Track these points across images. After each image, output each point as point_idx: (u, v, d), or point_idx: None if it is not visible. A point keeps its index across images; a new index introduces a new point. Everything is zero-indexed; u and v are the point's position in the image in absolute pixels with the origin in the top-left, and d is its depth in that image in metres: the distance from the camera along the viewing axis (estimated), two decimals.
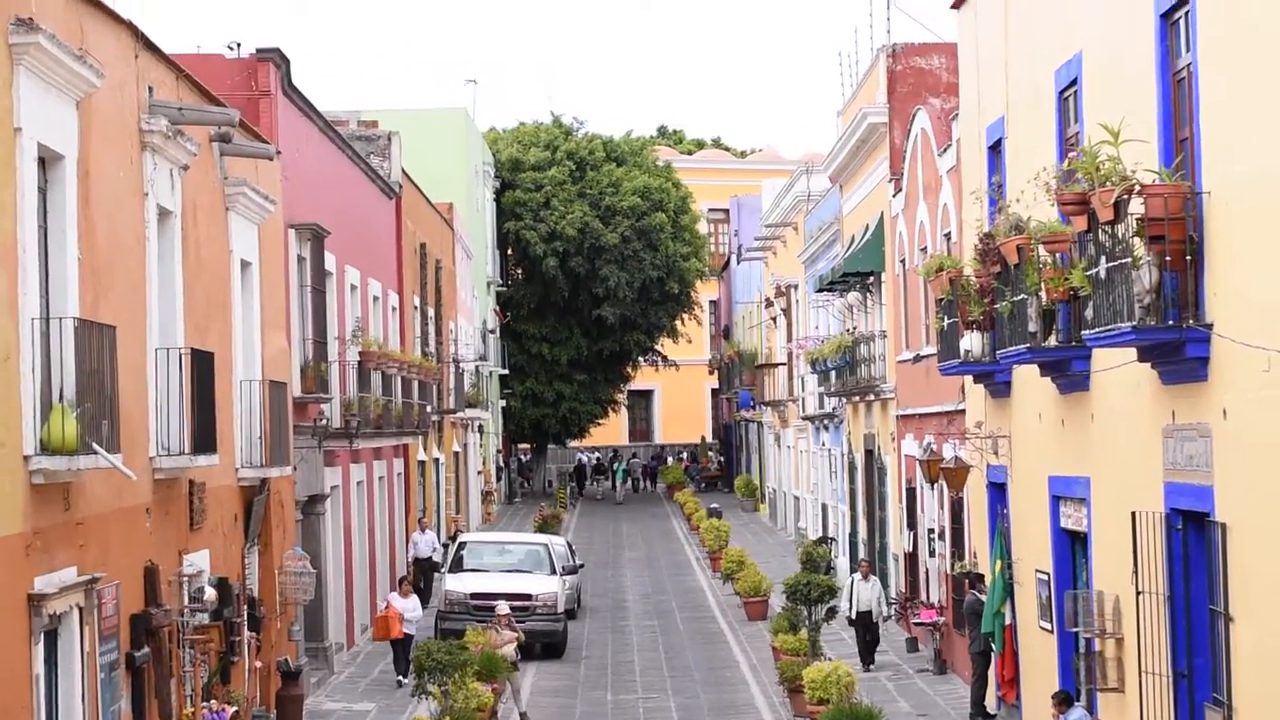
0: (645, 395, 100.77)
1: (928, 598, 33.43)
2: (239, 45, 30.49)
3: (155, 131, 21.05)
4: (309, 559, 28.85)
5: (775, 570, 48.33)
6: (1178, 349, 17.77)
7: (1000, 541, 26.74)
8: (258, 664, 26.44)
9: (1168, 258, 17.60)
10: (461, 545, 38.41)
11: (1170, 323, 17.54)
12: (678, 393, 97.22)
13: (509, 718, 28.81)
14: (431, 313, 52.01)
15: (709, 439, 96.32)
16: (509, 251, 79.20)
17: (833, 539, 47.62)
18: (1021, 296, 22.16)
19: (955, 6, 29.53)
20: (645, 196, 78.35)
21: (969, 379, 28.17)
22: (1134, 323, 17.61)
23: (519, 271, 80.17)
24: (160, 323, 21.76)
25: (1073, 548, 23.84)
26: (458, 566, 37.20)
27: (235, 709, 22.47)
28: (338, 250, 35.40)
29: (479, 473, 67.67)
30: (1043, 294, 21.56)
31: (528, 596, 35.16)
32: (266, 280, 28.26)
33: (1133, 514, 19.71)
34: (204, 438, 22.32)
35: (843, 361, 39.36)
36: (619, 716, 29.71)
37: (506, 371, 78.98)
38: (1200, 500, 18.04)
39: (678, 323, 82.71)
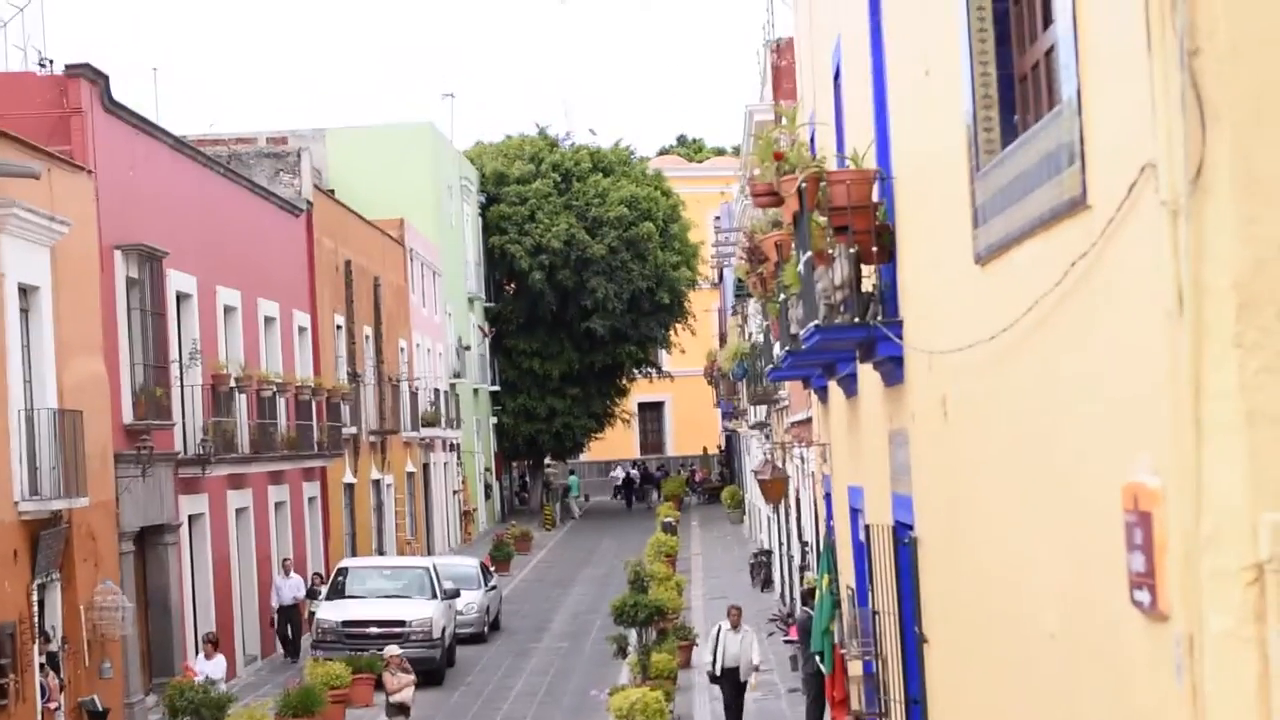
0: (656, 407, 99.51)
1: None
2: (50, 62, 29.44)
3: None
4: (121, 593, 27.62)
5: (722, 586, 47.07)
6: (873, 348, 16.46)
7: (828, 555, 25.35)
8: (53, 705, 25.31)
9: (852, 249, 16.21)
10: (341, 571, 37.16)
11: (856, 319, 16.14)
12: (689, 404, 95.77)
13: None
14: (368, 331, 50.85)
15: (715, 451, 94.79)
16: (496, 267, 78.06)
17: (769, 551, 46.29)
18: (784, 297, 20.85)
19: None
20: (632, 206, 77.12)
21: (799, 384, 26.85)
22: (818, 321, 16.29)
23: (511, 287, 78.96)
24: None
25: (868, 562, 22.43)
26: (336, 593, 35.98)
27: None
28: (203, 270, 34.29)
29: (455, 493, 66.47)
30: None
31: (401, 623, 33.90)
32: (67, 305, 27.10)
33: (866, 527, 18.40)
34: None
35: (741, 370, 37.97)
36: None
37: (497, 388, 77.89)
38: (908, 512, 16.70)
39: (670, 333, 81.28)
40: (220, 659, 29.73)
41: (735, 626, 28.75)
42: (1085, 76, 7.57)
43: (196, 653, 31.45)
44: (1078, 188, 7.97)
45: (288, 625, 38.18)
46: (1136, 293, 6.59)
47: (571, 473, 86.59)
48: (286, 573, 38.69)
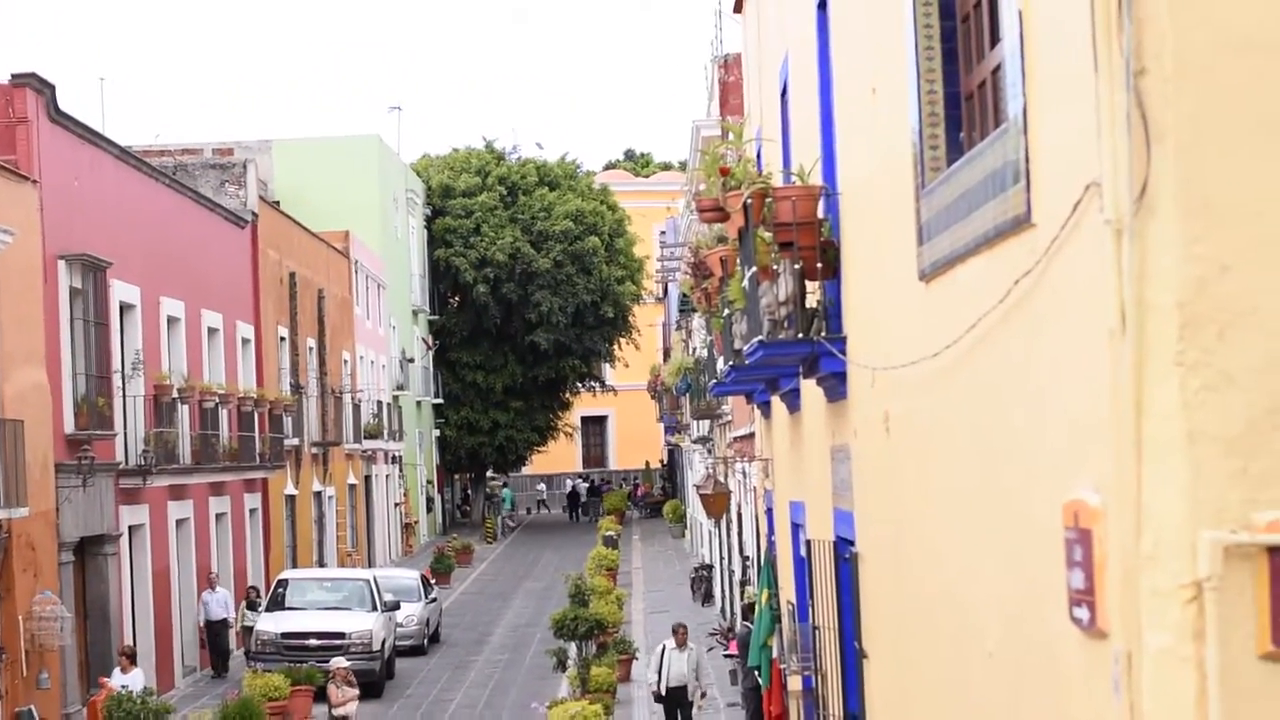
0: (599, 421, 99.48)
1: None
2: None
3: None
4: (60, 603, 27.45)
5: (663, 600, 47.06)
6: (816, 364, 16.48)
7: (768, 570, 25.38)
8: None
9: (797, 265, 16.22)
10: (281, 583, 37.01)
11: (800, 335, 16.15)
12: (632, 418, 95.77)
13: None
14: (312, 343, 50.70)
15: (657, 465, 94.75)
16: (441, 280, 77.92)
17: (710, 565, 46.35)
18: (728, 312, 20.88)
19: (737, 10, 28.29)
20: (578, 220, 77.10)
21: (742, 399, 26.90)
22: (761, 336, 16.32)
23: (456, 300, 78.87)
24: None
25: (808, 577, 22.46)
26: (276, 605, 35.83)
27: None
28: (146, 281, 34.14)
29: (397, 505, 66.31)
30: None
31: (340, 635, 33.81)
32: (10, 314, 26.94)
33: (808, 542, 18.43)
34: None
35: (684, 384, 37.99)
36: None
37: (440, 401, 77.74)
38: (850, 528, 16.73)
39: (614, 347, 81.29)
40: (137, 672, 29.07)
41: (681, 645, 28.50)
42: (1031, 95, 7.59)
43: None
44: (1022, 206, 7.99)
45: (215, 641, 37.17)
46: (1080, 311, 6.61)
47: (505, 485, 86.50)
48: (213, 587, 37.54)
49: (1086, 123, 6.27)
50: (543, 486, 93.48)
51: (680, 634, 28.85)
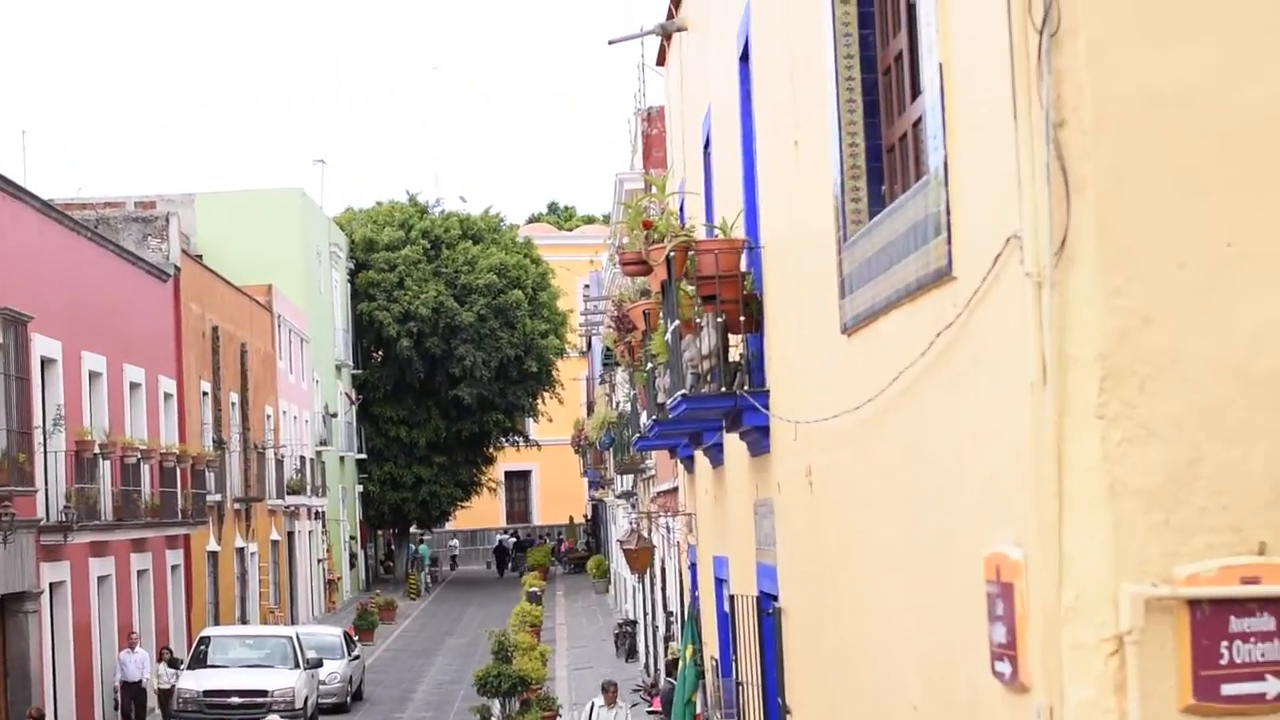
0: (523, 476, 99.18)
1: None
2: None
3: None
4: None
5: (587, 656, 46.87)
6: (739, 418, 16.45)
7: (692, 625, 25.29)
8: None
9: (720, 319, 16.21)
10: (203, 640, 36.70)
11: (723, 389, 16.13)
12: (556, 473, 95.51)
13: None
14: (235, 398, 50.38)
15: (581, 520, 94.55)
16: (364, 334, 77.65)
17: (634, 621, 46.22)
18: (651, 366, 20.83)
19: (660, 64, 28.32)
20: (502, 274, 77.00)
21: (666, 453, 26.86)
22: (685, 390, 16.28)
23: (379, 354, 78.58)
24: None
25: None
26: (198, 663, 35.50)
27: None
28: (67, 336, 33.84)
29: (320, 561, 65.90)
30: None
31: (263, 693, 33.53)
32: None
33: (731, 597, 18.38)
34: None
35: (608, 439, 37.92)
36: None
37: (364, 456, 77.41)
38: (774, 582, 16.67)
39: (538, 402, 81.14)
40: None
41: (610, 703, 28.26)
42: (952, 147, 7.59)
43: None
44: (944, 259, 7.96)
45: (132, 703, 36.24)
46: (1001, 363, 6.59)
47: (423, 541, 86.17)
48: (133, 647, 36.62)
49: (1007, 175, 6.26)
50: (456, 542, 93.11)
51: (610, 692, 28.62)
